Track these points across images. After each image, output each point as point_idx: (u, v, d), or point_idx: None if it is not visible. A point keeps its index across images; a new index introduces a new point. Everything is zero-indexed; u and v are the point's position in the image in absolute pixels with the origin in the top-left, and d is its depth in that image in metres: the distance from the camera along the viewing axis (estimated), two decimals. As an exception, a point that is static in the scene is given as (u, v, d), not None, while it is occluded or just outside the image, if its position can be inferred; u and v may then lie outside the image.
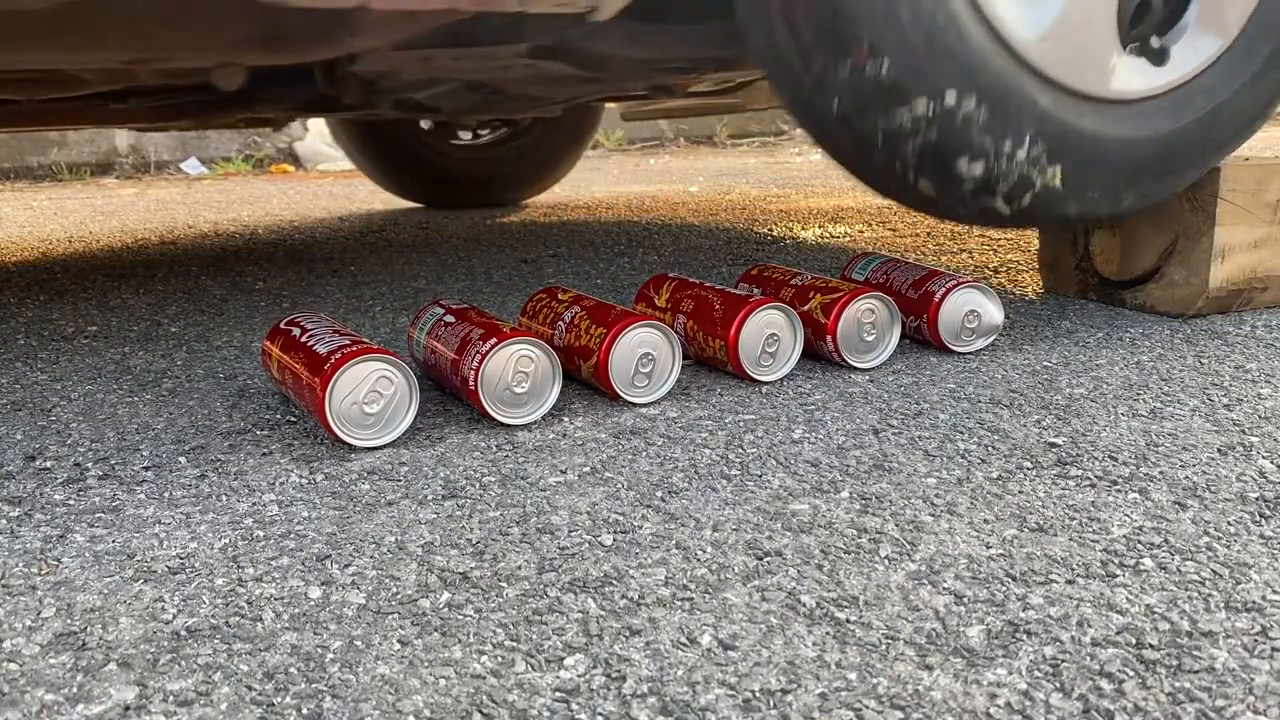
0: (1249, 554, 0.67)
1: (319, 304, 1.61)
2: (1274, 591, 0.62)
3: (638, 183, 3.72)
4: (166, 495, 0.85)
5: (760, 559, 0.69)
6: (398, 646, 0.60)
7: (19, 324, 1.51)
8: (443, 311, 1.09)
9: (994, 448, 0.88)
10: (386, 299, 1.64)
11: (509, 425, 0.97)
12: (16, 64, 1.28)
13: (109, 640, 0.62)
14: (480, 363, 0.95)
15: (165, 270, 1.98)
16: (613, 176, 4.08)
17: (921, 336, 1.20)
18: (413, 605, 0.65)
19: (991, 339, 1.19)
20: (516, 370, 0.96)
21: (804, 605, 0.62)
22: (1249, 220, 1.29)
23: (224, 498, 0.84)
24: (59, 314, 1.57)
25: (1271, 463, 0.83)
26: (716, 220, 2.51)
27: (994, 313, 1.18)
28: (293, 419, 1.04)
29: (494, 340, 0.96)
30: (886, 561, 0.68)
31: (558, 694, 0.55)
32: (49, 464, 0.92)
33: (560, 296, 1.15)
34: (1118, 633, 0.58)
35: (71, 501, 0.84)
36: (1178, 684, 0.53)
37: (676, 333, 1.10)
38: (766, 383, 1.09)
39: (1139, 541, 0.70)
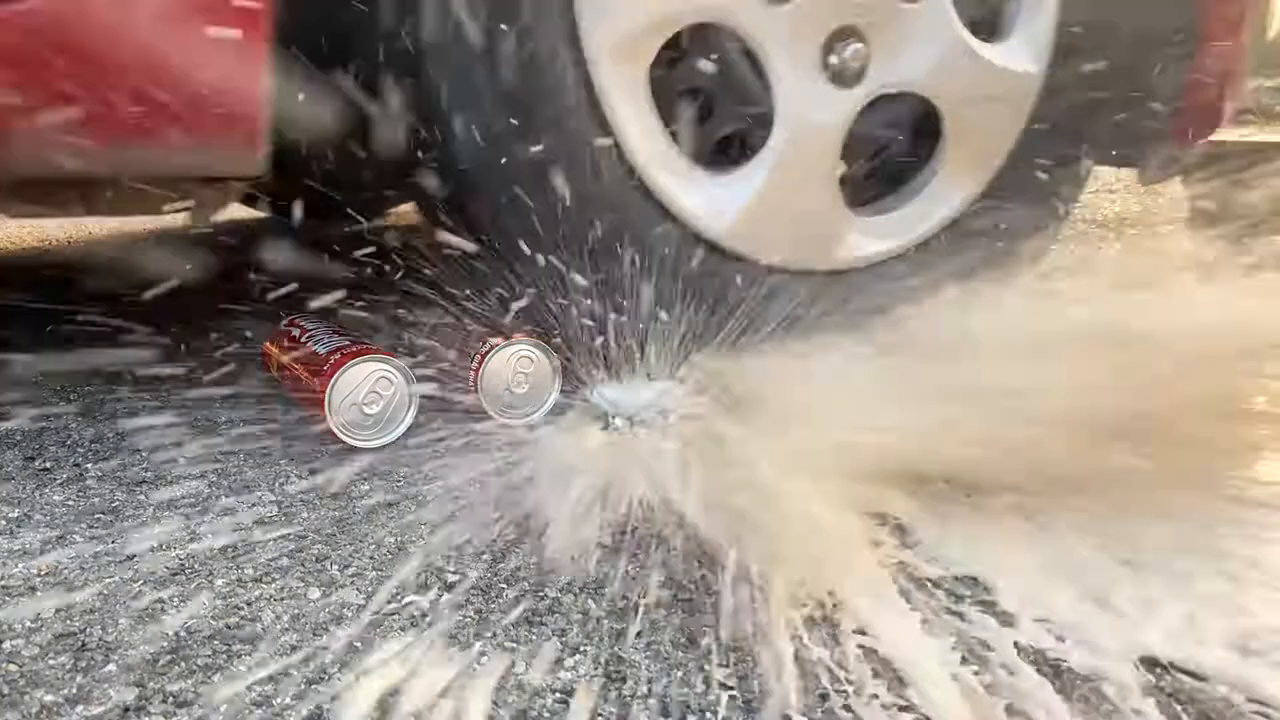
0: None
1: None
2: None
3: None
4: (165, 496, 0.84)
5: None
6: (396, 647, 0.60)
7: (19, 324, 1.51)
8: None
9: None
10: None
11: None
12: None
13: (108, 641, 0.62)
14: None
15: (165, 270, 1.97)
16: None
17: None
18: (412, 606, 0.65)
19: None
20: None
21: None
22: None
23: (223, 498, 0.84)
24: (59, 314, 1.57)
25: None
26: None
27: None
28: (291, 420, 1.03)
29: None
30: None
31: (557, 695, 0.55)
32: (49, 464, 0.92)
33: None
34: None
35: (71, 502, 0.84)
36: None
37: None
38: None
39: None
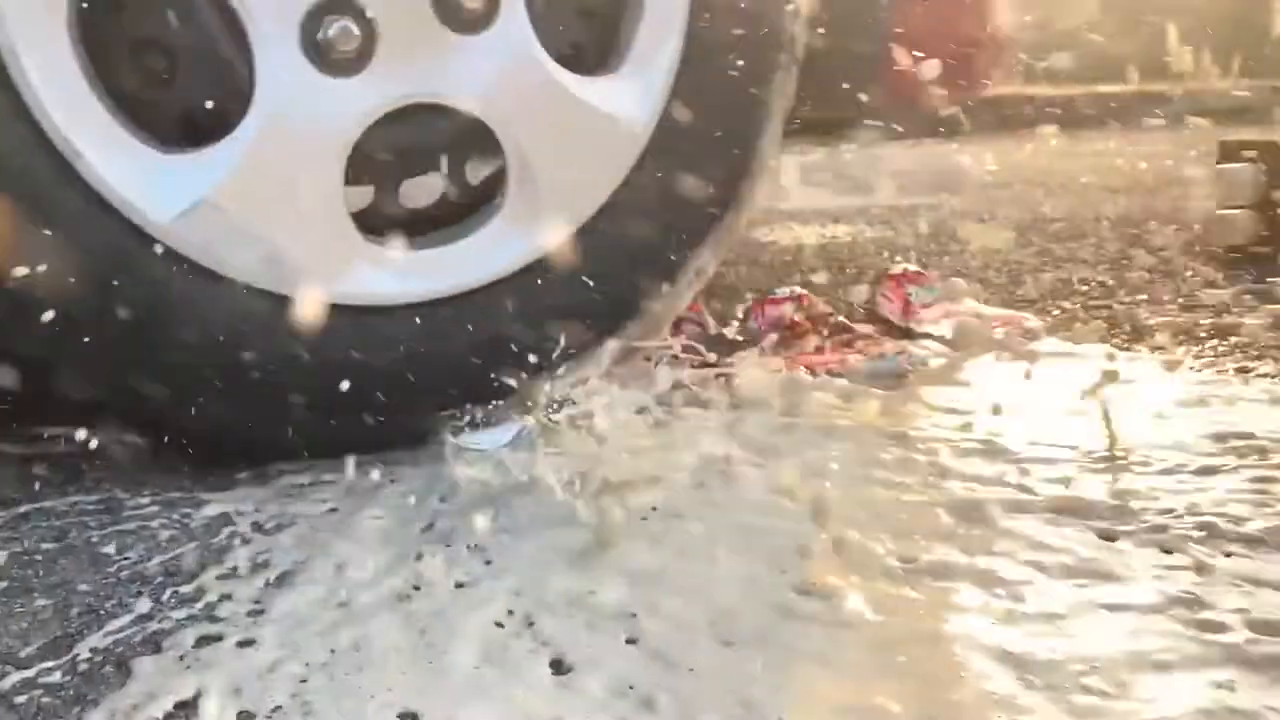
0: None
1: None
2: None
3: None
4: (163, 497, 0.84)
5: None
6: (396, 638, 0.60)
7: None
8: None
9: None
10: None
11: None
12: None
13: (106, 642, 0.62)
14: None
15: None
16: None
17: None
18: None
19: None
20: None
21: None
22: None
23: (223, 497, 0.83)
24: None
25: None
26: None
27: None
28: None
29: None
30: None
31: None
32: (45, 465, 0.92)
33: None
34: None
35: (70, 502, 0.84)
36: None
37: None
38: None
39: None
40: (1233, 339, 1.22)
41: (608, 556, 0.71)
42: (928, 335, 1.27)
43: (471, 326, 0.92)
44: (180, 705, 0.56)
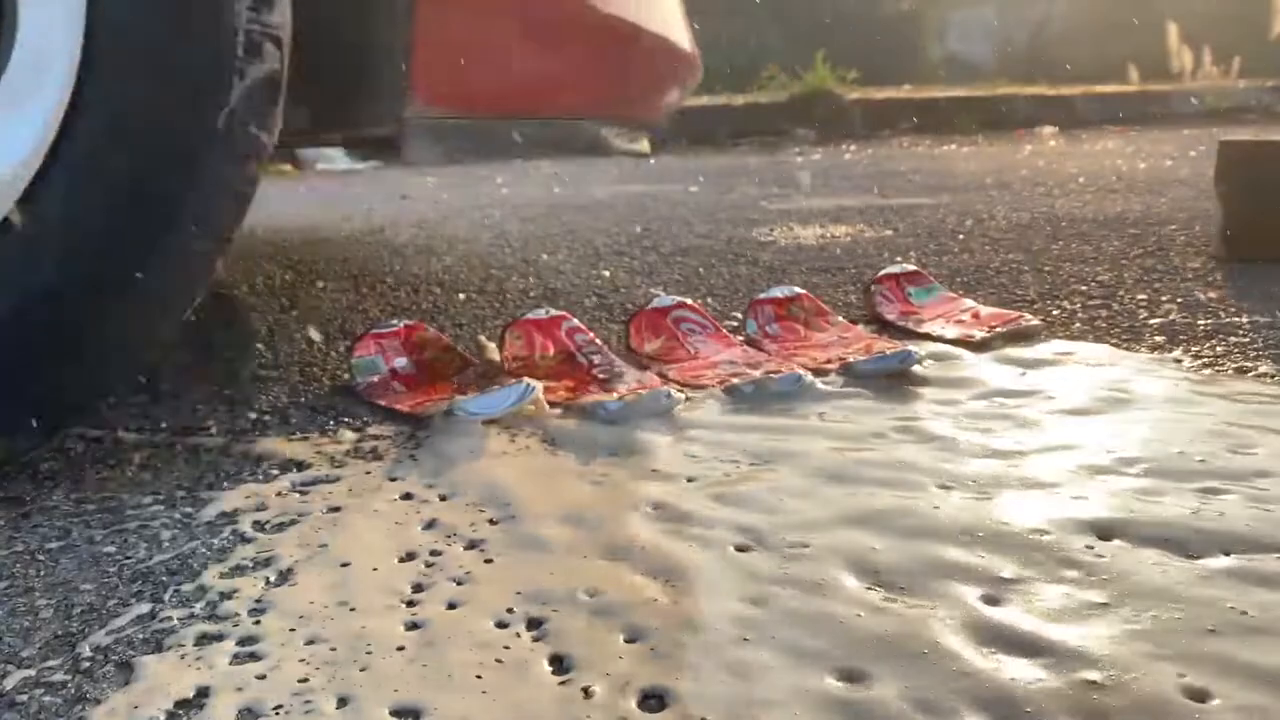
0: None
1: (319, 304, 1.61)
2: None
3: (637, 183, 3.71)
4: (164, 495, 0.85)
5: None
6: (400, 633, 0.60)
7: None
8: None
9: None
10: (385, 299, 1.64)
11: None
12: None
13: (107, 641, 0.62)
14: None
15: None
16: (613, 176, 4.07)
17: None
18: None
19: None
20: None
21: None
22: None
23: (224, 496, 0.84)
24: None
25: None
26: (716, 220, 2.51)
27: None
28: (289, 420, 1.04)
29: None
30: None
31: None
32: (45, 465, 0.92)
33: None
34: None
35: (72, 500, 0.84)
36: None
37: None
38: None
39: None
40: (1232, 339, 1.22)
41: (610, 555, 0.71)
42: (926, 335, 1.28)
43: None
44: (182, 704, 0.56)
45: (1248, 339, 1.22)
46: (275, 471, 0.90)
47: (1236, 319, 1.32)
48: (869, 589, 0.65)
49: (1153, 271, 1.65)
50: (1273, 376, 1.07)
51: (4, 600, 0.68)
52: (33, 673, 0.59)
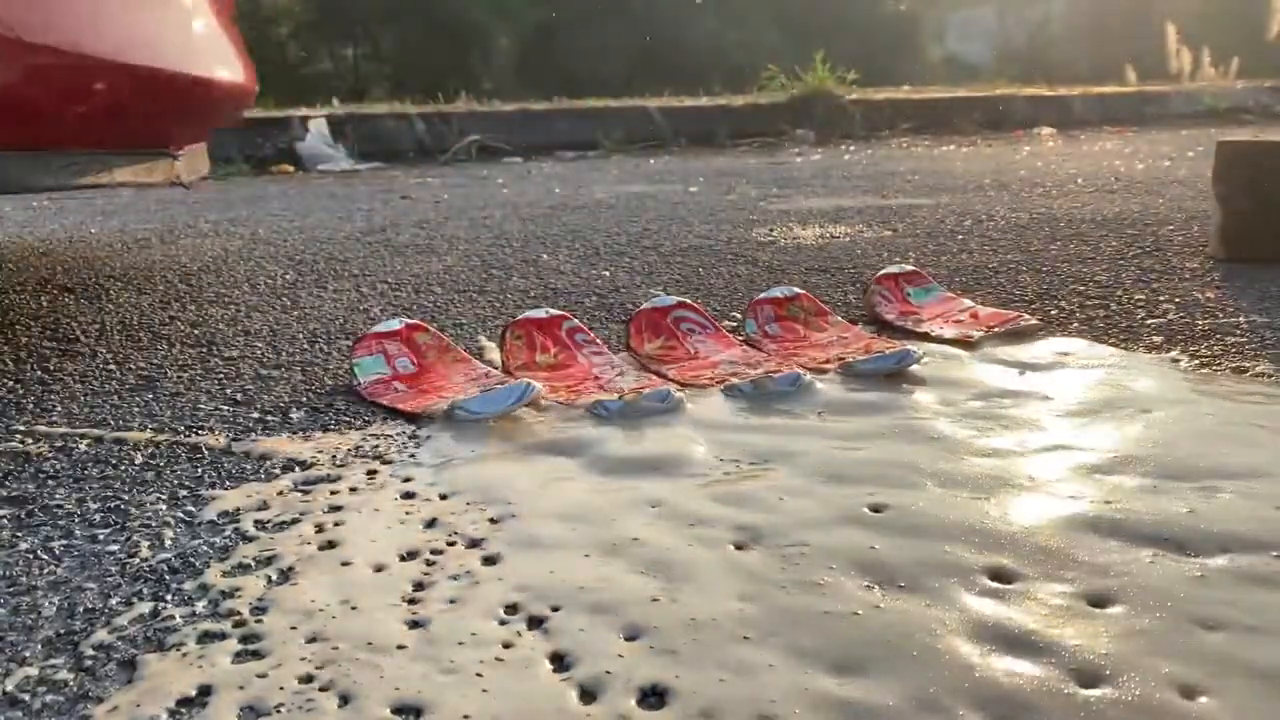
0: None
1: (320, 304, 1.61)
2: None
3: (638, 183, 3.72)
4: (167, 494, 0.85)
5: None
6: (401, 627, 0.61)
7: (19, 323, 1.51)
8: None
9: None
10: (386, 299, 1.64)
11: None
12: None
13: (110, 640, 0.62)
14: None
15: (165, 270, 1.98)
16: (613, 176, 4.07)
17: None
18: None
19: None
20: None
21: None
22: None
23: (227, 495, 0.84)
24: (59, 314, 1.57)
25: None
26: (716, 220, 2.52)
27: None
28: (290, 419, 1.04)
29: None
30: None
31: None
32: (48, 464, 0.93)
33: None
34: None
35: (76, 499, 0.84)
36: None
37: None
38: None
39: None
40: (1229, 339, 1.23)
41: (610, 553, 0.72)
42: (925, 335, 1.28)
43: None
44: (184, 702, 0.56)
45: (1245, 339, 1.22)
46: (277, 471, 0.90)
47: (1234, 319, 1.32)
48: (868, 588, 0.66)
49: (1151, 271, 1.65)
50: (1270, 376, 1.07)
51: (7, 599, 0.68)
52: (35, 671, 0.59)
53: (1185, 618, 0.60)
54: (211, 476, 0.89)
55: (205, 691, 0.57)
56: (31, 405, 1.10)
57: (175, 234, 2.58)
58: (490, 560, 0.71)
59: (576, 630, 0.62)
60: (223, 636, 0.62)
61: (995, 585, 0.65)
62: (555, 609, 0.64)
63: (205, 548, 0.75)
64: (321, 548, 0.74)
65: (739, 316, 1.40)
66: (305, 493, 0.85)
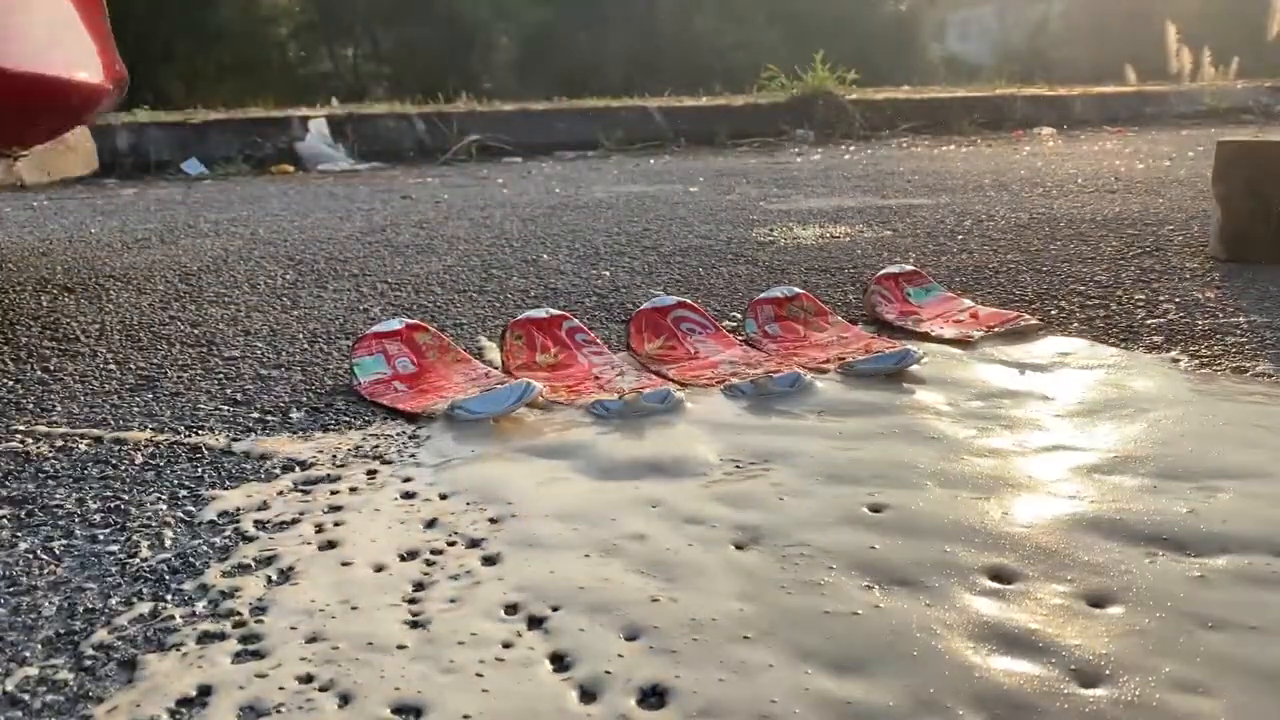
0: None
1: (320, 304, 1.61)
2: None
3: (638, 183, 3.72)
4: (167, 494, 0.85)
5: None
6: (402, 627, 0.61)
7: (19, 323, 1.51)
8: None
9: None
10: (386, 299, 1.64)
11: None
12: None
13: (110, 640, 0.62)
14: None
15: (165, 270, 1.98)
16: (612, 177, 4.07)
17: None
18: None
19: None
20: None
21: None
22: None
23: (227, 495, 0.84)
24: (59, 314, 1.57)
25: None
26: (716, 220, 2.52)
27: None
28: (290, 420, 1.04)
29: None
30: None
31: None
32: (48, 464, 0.93)
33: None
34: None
35: (76, 499, 0.84)
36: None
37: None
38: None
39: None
40: (1229, 339, 1.23)
41: (609, 553, 0.72)
42: (925, 335, 1.28)
43: None
44: (184, 702, 0.56)
45: (1245, 339, 1.22)
46: (277, 471, 0.90)
47: (1234, 319, 1.32)
48: (868, 588, 0.66)
49: (1151, 271, 1.65)
50: (1270, 376, 1.07)
51: (7, 599, 0.68)
52: (36, 671, 0.59)
53: (1185, 618, 0.60)
54: (211, 476, 0.89)
55: (205, 691, 0.57)
56: (31, 405, 1.10)
57: (175, 234, 2.58)
58: (490, 560, 0.71)
59: (576, 630, 0.62)
60: (222, 636, 0.62)
61: (995, 585, 0.65)
62: (555, 609, 0.64)
63: (205, 548, 0.75)
64: (321, 548, 0.74)
65: (739, 316, 1.40)
66: (305, 493, 0.85)
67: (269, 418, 1.05)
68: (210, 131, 5.20)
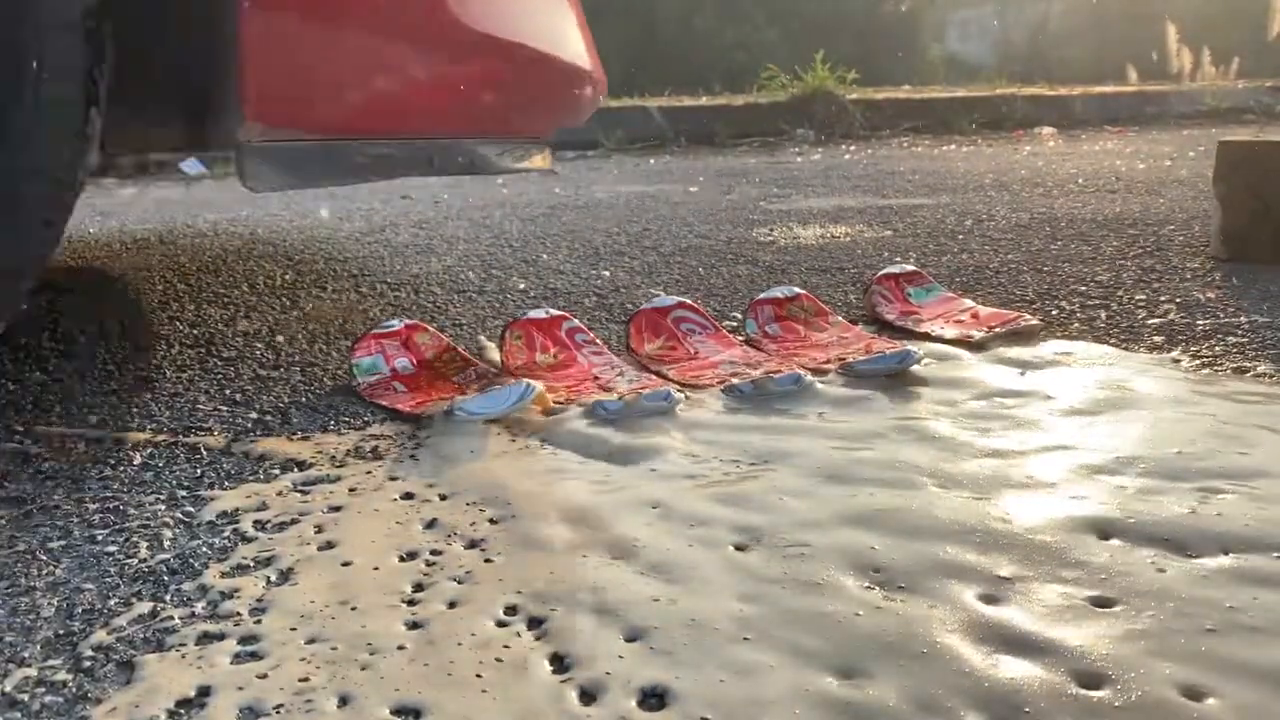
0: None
1: (319, 304, 1.61)
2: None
3: (638, 183, 3.72)
4: (165, 494, 0.85)
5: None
6: (402, 628, 0.61)
7: (19, 323, 1.51)
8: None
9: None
10: (386, 299, 1.64)
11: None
12: None
13: (109, 640, 0.62)
14: None
15: (164, 270, 1.98)
16: (613, 176, 4.07)
17: None
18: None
19: None
20: None
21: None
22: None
23: (226, 495, 0.84)
24: (59, 314, 1.57)
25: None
26: (716, 220, 2.52)
27: None
28: (290, 420, 1.04)
29: None
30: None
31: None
32: (47, 465, 0.93)
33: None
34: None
35: (74, 499, 0.84)
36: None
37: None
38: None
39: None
40: (1230, 339, 1.23)
41: (609, 554, 0.71)
42: (926, 335, 1.28)
43: None
44: (183, 703, 0.56)
45: (1246, 339, 1.22)
46: (276, 471, 0.90)
47: (1235, 319, 1.32)
48: (868, 588, 0.65)
49: (1151, 272, 1.65)
50: (1271, 376, 1.07)
51: (5, 599, 0.68)
52: (34, 672, 0.59)
53: (1186, 618, 0.60)
54: (210, 477, 0.89)
55: (204, 692, 0.57)
56: (31, 405, 1.10)
57: (175, 234, 2.58)
58: (490, 561, 0.71)
59: (576, 631, 0.62)
60: (222, 637, 0.62)
61: (996, 585, 0.65)
62: (555, 609, 0.64)
63: (204, 548, 0.75)
64: (321, 548, 0.74)
65: (739, 316, 1.40)
66: (304, 493, 0.85)
67: (268, 418, 1.05)
68: (210, 131, 5.19)
